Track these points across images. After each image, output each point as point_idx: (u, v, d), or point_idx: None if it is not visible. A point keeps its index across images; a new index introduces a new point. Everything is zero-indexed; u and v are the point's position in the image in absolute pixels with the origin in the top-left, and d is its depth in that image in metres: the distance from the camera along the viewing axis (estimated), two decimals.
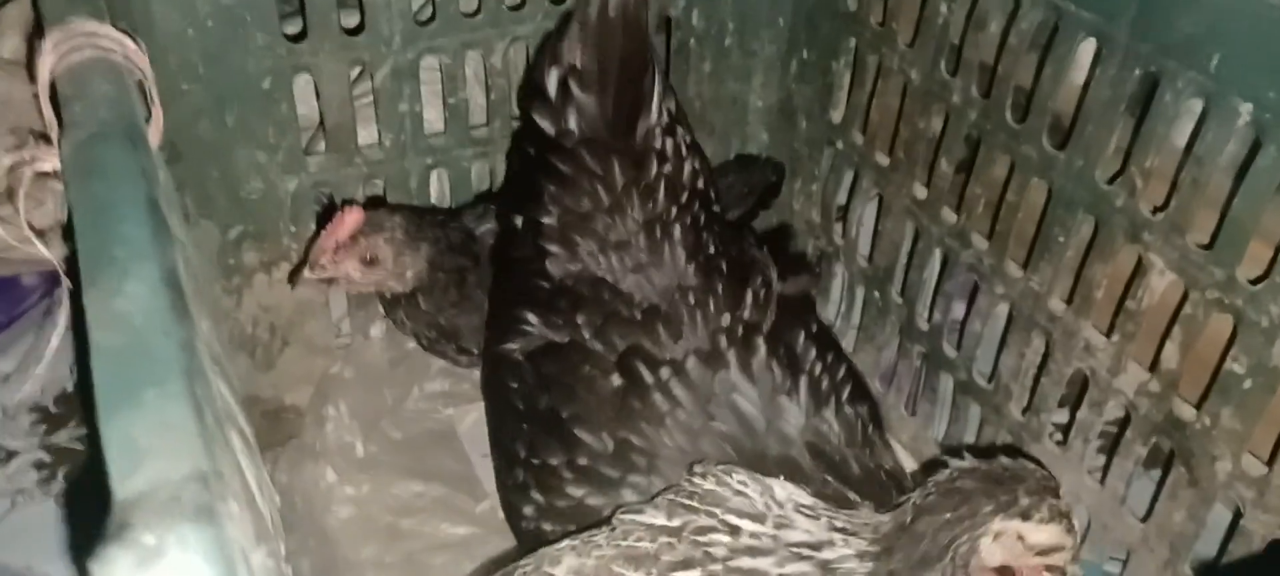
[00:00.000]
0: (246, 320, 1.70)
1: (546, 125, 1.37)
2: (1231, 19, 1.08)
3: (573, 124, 1.35)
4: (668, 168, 1.36)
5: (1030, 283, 1.38)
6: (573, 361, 1.27)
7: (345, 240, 1.46)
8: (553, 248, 1.35)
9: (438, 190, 1.72)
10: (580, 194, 1.34)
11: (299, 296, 1.70)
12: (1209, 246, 1.15)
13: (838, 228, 1.76)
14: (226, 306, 1.67)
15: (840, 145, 1.70)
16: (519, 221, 1.41)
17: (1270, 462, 1.15)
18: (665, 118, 1.37)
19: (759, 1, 1.74)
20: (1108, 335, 1.30)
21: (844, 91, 1.68)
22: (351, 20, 1.52)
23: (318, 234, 1.51)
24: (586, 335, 1.28)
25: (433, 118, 1.63)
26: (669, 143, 1.37)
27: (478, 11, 1.56)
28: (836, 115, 1.70)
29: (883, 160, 1.61)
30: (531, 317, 1.33)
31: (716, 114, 1.86)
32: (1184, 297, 1.19)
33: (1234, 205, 1.11)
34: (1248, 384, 1.14)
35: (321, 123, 1.59)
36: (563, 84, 1.35)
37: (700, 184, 1.39)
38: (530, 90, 1.42)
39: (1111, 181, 1.25)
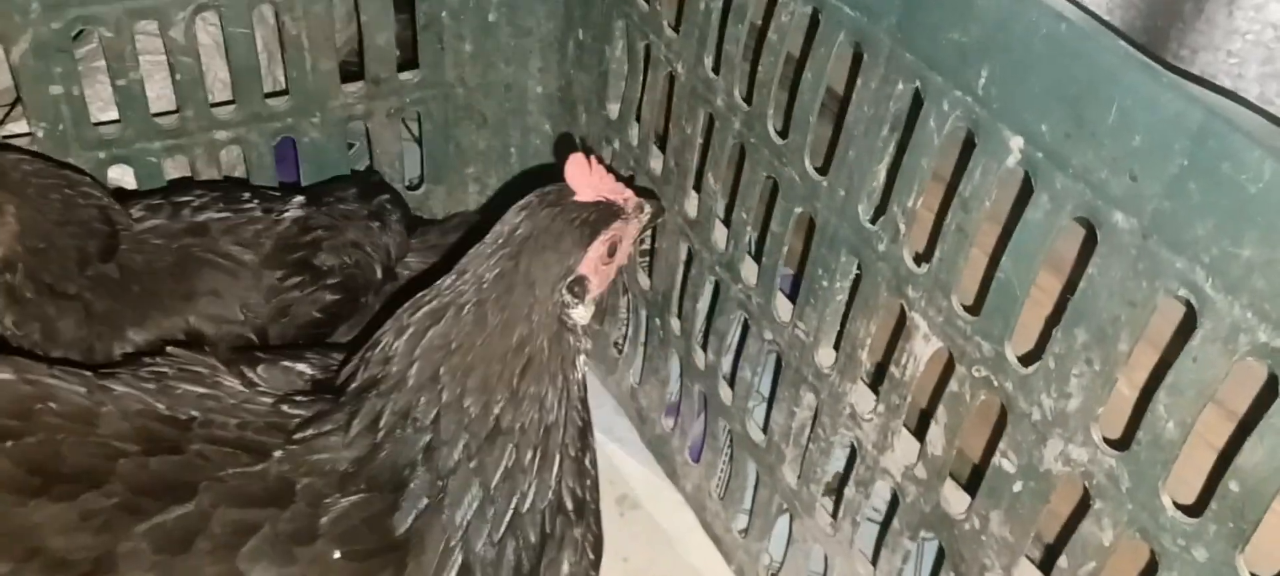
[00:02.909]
0: None
1: None
2: (1001, 29, 0.84)
3: None
4: None
5: (796, 330, 1.14)
6: None
7: None
8: None
9: None
10: None
11: None
12: (976, 311, 0.92)
13: None
14: None
15: (617, 144, 1.44)
16: None
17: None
18: None
19: None
20: (874, 404, 1.07)
21: (621, 82, 1.42)
22: None
23: None
24: None
25: (102, 104, 1.33)
26: None
27: None
28: (613, 109, 1.44)
29: (656, 166, 1.36)
30: None
31: (487, 102, 1.59)
32: (950, 369, 0.96)
33: (1003, 265, 0.88)
34: (1017, 486, 0.91)
35: None
36: None
37: None
38: None
39: (875, 220, 1.00)
